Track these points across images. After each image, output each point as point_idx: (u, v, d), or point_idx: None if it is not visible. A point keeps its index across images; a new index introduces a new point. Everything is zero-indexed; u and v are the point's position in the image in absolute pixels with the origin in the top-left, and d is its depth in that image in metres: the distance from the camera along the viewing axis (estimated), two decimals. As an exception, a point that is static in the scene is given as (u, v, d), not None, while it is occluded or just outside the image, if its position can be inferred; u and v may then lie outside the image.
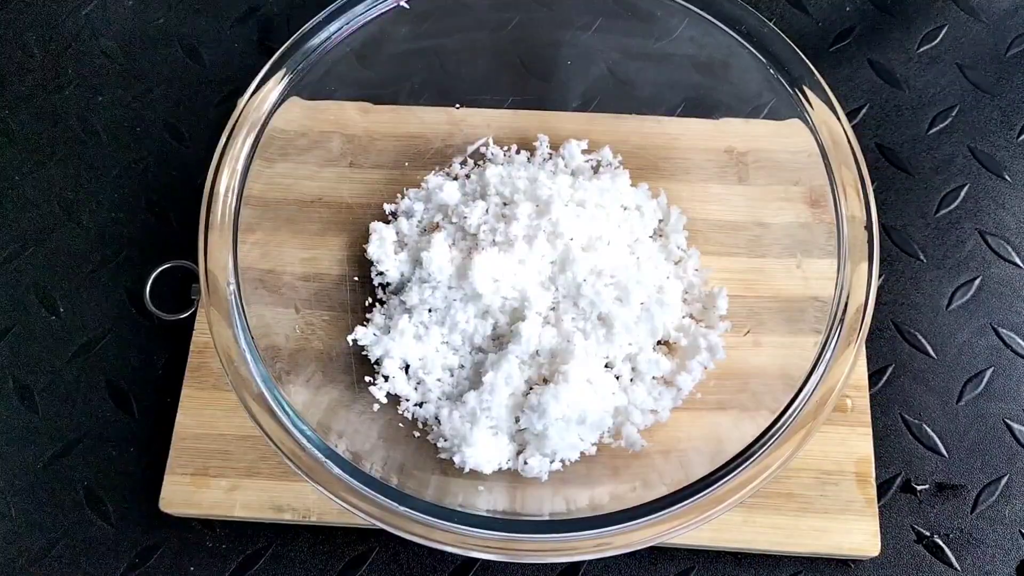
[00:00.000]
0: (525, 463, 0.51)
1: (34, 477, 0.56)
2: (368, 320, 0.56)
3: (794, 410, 0.45)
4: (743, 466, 0.44)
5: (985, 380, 0.57)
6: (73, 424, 0.57)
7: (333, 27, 0.54)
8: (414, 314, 0.54)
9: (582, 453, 0.52)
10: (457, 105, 0.62)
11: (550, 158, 0.61)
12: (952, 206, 0.63)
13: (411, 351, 0.54)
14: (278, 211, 0.56)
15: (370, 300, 0.57)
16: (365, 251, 0.57)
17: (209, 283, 0.48)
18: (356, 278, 0.58)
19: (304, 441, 0.45)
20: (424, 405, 0.54)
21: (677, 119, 0.61)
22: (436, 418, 0.53)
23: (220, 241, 0.49)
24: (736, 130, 0.59)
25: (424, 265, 0.54)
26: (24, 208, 0.64)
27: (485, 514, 0.44)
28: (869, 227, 0.48)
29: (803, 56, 0.52)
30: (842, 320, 0.46)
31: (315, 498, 0.52)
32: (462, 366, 0.54)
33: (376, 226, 0.58)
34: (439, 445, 0.52)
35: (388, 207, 0.60)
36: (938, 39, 0.68)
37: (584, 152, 0.61)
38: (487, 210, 0.57)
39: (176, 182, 0.64)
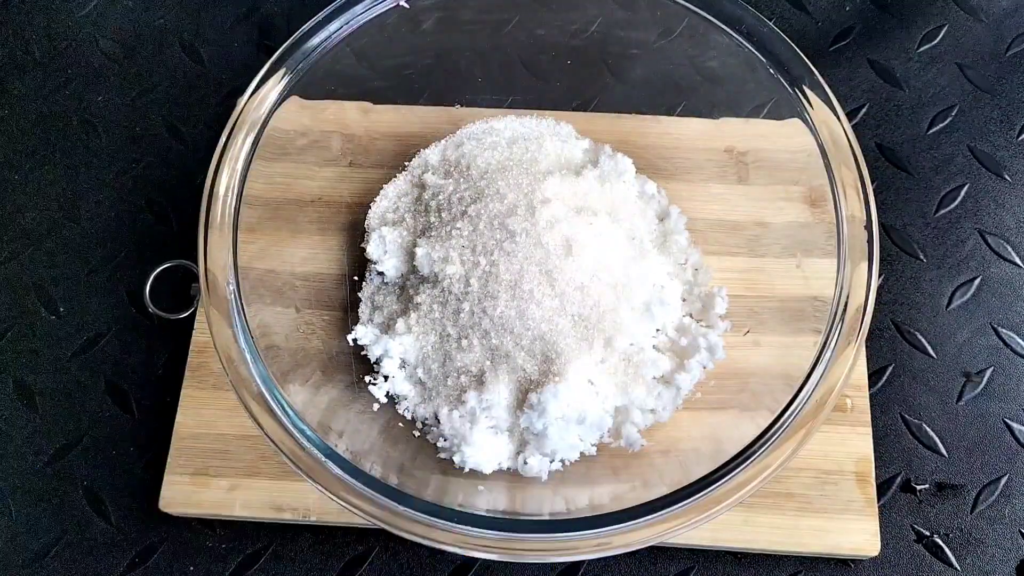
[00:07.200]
0: (525, 463, 0.51)
1: (34, 477, 0.56)
2: (368, 320, 0.56)
3: (794, 410, 0.45)
4: (743, 466, 0.44)
5: (985, 380, 0.57)
6: (73, 424, 0.57)
7: (333, 27, 0.54)
8: (414, 314, 0.54)
9: (582, 453, 0.52)
10: (457, 105, 0.62)
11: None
12: (952, 206, 0.62)
13: (411, 351, 0.54)
14: (278, 211, 0.56)
15: (369, 299, 0.57)
16: (365, 251, 0.57)
17: (209, 283, 0.48)
18: (356, 278, 0.58)
19: (304, 441, 0.45)
20: (424, 405, 0.54)
21: (677, 119, 0.61)
22: (436, 418, 0.53)
23: (220, 241, 0.49)
24: (736, 130, 0.59)
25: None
26: (24, 208, 0.64)
27: (485, 514, 0.44)
28: (869, 227, 0.48)
29: (803, 56, 0.52)
30: (842, 320, 0.46)
31: (315, 498, 0.52)
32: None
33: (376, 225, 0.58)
34: (439, 445, 0.52)
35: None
36: (938, 39, 0.68)
37: (584, 152, 0.61)
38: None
39: (176, 182, 0.64)
